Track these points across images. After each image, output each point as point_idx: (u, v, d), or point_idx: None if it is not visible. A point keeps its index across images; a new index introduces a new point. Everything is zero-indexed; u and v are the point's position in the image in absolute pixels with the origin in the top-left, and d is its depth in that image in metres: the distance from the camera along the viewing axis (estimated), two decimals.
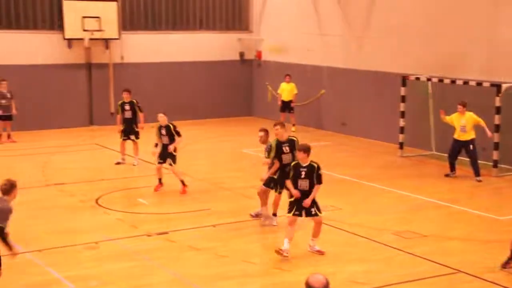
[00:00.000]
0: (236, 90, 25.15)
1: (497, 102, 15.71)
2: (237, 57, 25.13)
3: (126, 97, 16.48)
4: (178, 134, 14.09)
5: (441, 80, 17.38)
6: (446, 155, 16.28)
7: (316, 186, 10.48)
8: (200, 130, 22.29)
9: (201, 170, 16.41)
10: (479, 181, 15.32)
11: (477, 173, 15.41)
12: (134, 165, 16.38)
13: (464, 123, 15.39)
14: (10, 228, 11.58)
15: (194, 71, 24.30)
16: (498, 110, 15.74)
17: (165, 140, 14.01)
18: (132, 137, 16.42)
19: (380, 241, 11.10)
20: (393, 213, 12.89)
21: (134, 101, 16.51)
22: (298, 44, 23.24)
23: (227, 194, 14.13)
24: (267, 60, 24.77)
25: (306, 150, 10.38)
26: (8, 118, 19.49)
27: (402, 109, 18.10)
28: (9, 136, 19.49)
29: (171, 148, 13.93)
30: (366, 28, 20.70)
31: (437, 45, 18.45)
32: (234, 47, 25.00)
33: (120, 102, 16.62)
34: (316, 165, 10.47)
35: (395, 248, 10.83)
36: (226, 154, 18.46)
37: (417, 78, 18.03)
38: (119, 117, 16.59)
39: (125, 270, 9.92)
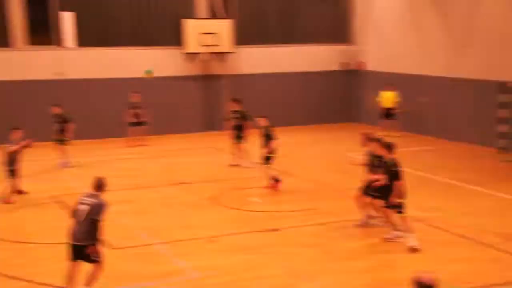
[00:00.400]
0: (340, 98, 24.99)
1: None
2: (341, 68, 24.97)
3: (234, 106, 16.70)
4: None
5: None
6: None
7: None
8: (306, 135, 22.35)
9: (309, 172, 16.43)
10: None
11: None
12: (247, 167, 16.51)
13: None
14: (144, 222, 12.21)
15: (301, 81, 24.37)
16: None
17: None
18: (241, 141, 16.63)
19: (485, 242, 10.71)
20: (497, 216, 12.38)
21: (243, 110, 16.69)
22: (400, 54, 22.80)
23: (334, 194, 14.06)
24: (369, 70, 24.47)
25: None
26: (140, 124, 20.28)
27: (501, 115, 17.36)
28: (140, 141, 20.28)
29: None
30: (467, 37, 20.03)
31: None
32: (338, 58, 24.87)
33: (230, 110, 16.92)
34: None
35: (501, 250, 10.42)
36: (332, 157, 18.40)
37: None
38: (229, 123, 16.88)
39: (242, 262, 10.10)
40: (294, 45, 24.45)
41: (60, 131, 17.16)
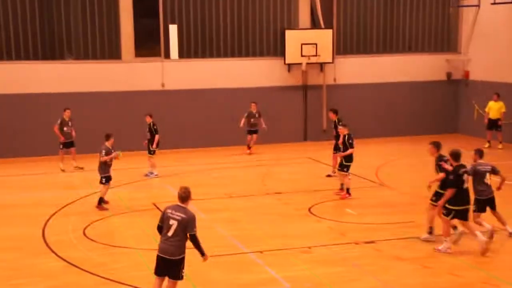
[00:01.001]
0: (443, 108, 24.22)
1: None
2: (445, 77, 24.19)
3: (332, 116, 16.56)
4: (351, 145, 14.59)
5: None
6: None
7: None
8: (406, 146, 21.78)
9: (407, 184, 15.98)
10: None
11: None
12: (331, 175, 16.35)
13: None
14: (237, 231, 12.33)
15: (402, 91, 23.82)
16: None
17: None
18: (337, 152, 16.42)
19: None
20: None
21: (336, 120, 16.43)
22: (508, 62, 21.72)
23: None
24: (475, 80, 23.51)
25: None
26: (254, 132, 20.70)
27: None
28: (249, 148, 20.64)
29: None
30: None
31: None
32: (441, 68, 24.13)
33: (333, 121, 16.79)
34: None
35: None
36: (431, 169, 17.75)
37: None
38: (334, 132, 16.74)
39: (335, 274, 9.99)
40: (396, 55, 23.96)
41: (150, 141, 17.39)
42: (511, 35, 21.69)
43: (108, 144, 14.10)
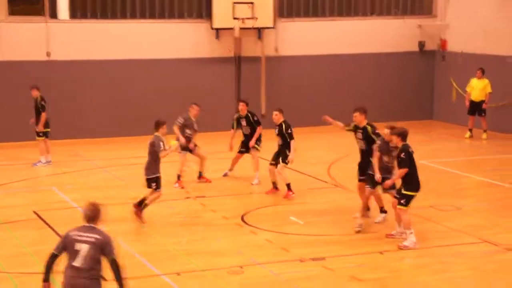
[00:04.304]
0: (414, 88, 24.72)
1: None
2: (416, 48, 24.69)
3: (243, 109, 16.54)
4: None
5: None
6: None
7: None
8: None
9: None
10: None
11: None
12: (255, 184, 16.39)
13: None
14: (142, 247, 12.20)
15: (362, 65, 24.18)
16: None
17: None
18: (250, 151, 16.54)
19: None
20: None
21: (250, 115, 16.49)
22: (496, 31, 22.34)
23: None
24: (453, 51, 24.08)
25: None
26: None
27: None
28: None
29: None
30: None
31: None
32: (412, 36, 24.60)
33: (236, 116, 16.80)
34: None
35: None
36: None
37: None
38: (232, 132, 16.78)
39: None
40: (355, 19, 24.29)
41: (38, 121, 17.72)
42: None
43: (161, 133, 13.84)
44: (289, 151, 14.94)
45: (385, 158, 12.72)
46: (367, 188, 13.11)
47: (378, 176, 12.65)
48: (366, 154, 13.34)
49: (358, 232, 12.83)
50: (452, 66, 24.00)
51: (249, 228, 13.31)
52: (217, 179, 16.93)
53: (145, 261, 11.55)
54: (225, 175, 17.08)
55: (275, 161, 15.18)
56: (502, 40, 22.19)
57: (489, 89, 21.41)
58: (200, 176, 16.70)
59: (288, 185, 15.16)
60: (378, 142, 12.91)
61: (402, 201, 12.00)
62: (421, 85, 24.82)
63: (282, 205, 14.85)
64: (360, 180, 13.52)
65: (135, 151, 19.71)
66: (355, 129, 13.60)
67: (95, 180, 16.88)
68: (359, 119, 13.49)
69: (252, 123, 16.51)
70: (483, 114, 21.52)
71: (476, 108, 21.58)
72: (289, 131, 14.97)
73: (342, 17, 24.23)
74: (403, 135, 12.09)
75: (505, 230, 12.91)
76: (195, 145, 16.59)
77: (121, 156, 19.40)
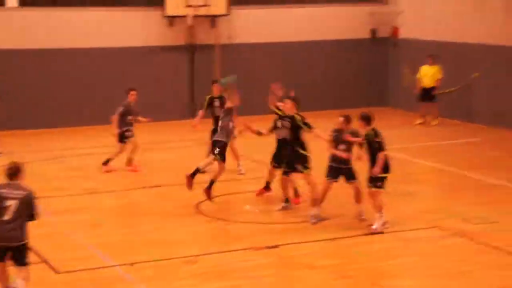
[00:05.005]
0: (367, 75, 24.92)
1: None
2: (368, 35, 24.90)
3: (216, 90, 16.48)
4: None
5: None
6: None
7: None
8: (321, 122, 22.20)
9: (315, 173, 16.24)
10: None
11: None
12: (241, 173, 16.34)
13: None
14: (96, 238, 12.18)
15: (316, 52, 24.30)
16: None
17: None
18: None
19: None
20: None
21: (225, 95, 16.42)
22: (446, 17, 22.65)
23: (349, 203, 13.91)
24: (406, 38, 24.33)
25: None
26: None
27: None
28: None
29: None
30: None
31: None
32: (364, 23, 24.79)
33: (208, 97, 16.60)
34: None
35: None
36: None
37: None
38: (201, 112, 16.56)
39: None
40: (308, 6, 24.40)
41: None
42: None
43: None
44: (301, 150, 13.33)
45: (342, 147, 12.66)
46: (327, 180, 12.88)
47: (341, 153, 12.60)
48: (288, 143, 13.18)
49: (315, 223, 12.83)
50: (404, 53, 24.25)
51: (204, 218, 13.33)
52: (170, 168, 16.91)
53: (98, 252, 11.51)
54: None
55: (290, 168, 13.30)
56: (452, 27, 22.47)
57: (439, 76, 21.73)
58: (129, 163, 16.68)
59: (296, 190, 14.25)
60: (331, 132, 12.84)
61: (378, 184, 12.15)
62: (374, 72, 25.03)
63: (237, 194, 14.92)
64: (285, 173, 13.29)
65: (87, 142, 19.72)
66: (281, 117, 13.50)
67: (47, 171, 16.71)
68: (289, 106, 13.22)
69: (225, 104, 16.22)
70: (434, 100, 21.84)
71: (427, 94, 21.89)
72: (306, 121, 13.29)
73: (296, 4, 24.33)
74: (366, 119, 12.16)
75: (454, 215, 13.12)
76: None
77: (74, 147, 19.24)
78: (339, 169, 12.74)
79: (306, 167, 13.02)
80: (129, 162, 16.68)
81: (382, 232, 12.18)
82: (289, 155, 13.18)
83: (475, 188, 15.11)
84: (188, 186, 13.74)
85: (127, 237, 12.36)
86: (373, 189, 12.24)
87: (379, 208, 12.30)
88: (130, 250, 11.65)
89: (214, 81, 17.05)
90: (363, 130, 12.27)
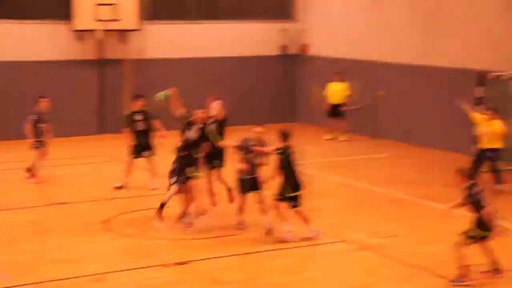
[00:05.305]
0: (276, 91, 25.23)
1: None
2: (278, 52, 25.20)
3: (138, 105, 16.35)
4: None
5: None
6: None
7: None
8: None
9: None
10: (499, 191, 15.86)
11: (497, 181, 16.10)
12: (153, 189, 16.20)
13: (486, 130, 15.88)
14: (4, 255, 11.91)
15: (226, 68, 24.43)
16: None
17: None
18: (146, 153, 16.35)
19: (447, 276, 10.92)
20: None
21: (148, 110, 16.40)
22: (353, 35, 23.16)
23: (257, 217, 14.02)
24: (314, 56, 24.75)
25: None
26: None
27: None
28: None
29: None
30: (437, 15, 20.52)
31: None
32: (274, 40, 25.10)
33: (129, 112, 16.53)
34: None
35: (468, 286, 10.67)
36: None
37: (498, 76, 17.78)
38: (128, 131, 16.37)
39: None
40: (220, 22, 24.54)
41: None
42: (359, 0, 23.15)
43: None
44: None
45: (249, 156, 12.92)
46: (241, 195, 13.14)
47: (244, 166, 12.87)
48: (190, 149, 13.35)
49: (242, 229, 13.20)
50: (313, 70, 24.64)
51: (111, 235, 13.21)
52: (79, 184, 16.79)
53: (0, 272, 11.25)
54: (119, 188, 16.22)
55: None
56: (359, 45, 22.98)
57: (347, 92, 22.16)
58: (29, 171, 16.65)
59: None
60: (239, 141, 13.11)
61: (293, 203, 12.48)
62: (284, 88, 25.34)
63: (145, 210, 14.76)
64: (176, 181, 13.35)
65: None
66: (189, 124, 13.53)
67: None
68: (202, 115, 13.60)
69: (149, 119, 16.20)
70: (342, 117, 22.25)
71: (335, 110, 22.29)
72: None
73: (207, 21, 24.43)
74: (283, 135, 12.49)
75: (360, 229, 13.39)
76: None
77: None
78: (248, 180, 12.93)
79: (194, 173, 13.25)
80: (32, 170, 16.59)
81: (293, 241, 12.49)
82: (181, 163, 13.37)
83: (382, 203, 15.44)
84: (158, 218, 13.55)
85: (31, 255, 12.08)
86: (276, 201, 12.47)
87: (284, 219, 12.53)
88: (35, 269, 11.41)
89: (136, 96, 16.83)
90: (279, 145, 12.50)
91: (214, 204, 14.45)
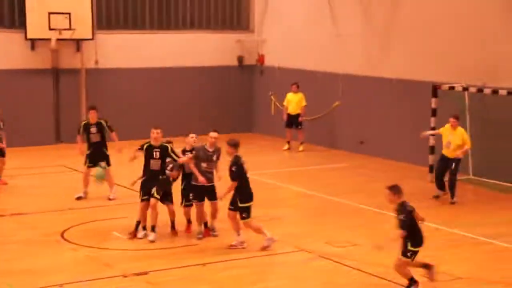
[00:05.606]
0: (234, 101, 25.30)
1: None
2: (235, 62, 25.29)
3: (92, 117, 16.18)
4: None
5: (480, 90, 17.44)
6: (486, 180, 16.98)
7: None
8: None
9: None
10: (453, 203, 16.19)
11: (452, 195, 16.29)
12: (110, 199, 16.16)
13: (451, 139, 16.08)
14: None
15: (183, 78, 24.43)
16: None
17: None
18: (103, 164, 16.13)
19: (405, 284, 11.05)
20: (422, 251, 12.82)
21: (103, 121, 16.27)
22: (309, 46, 23.36)
23: (219, 227, 14.04)
24: (271, 66, 24.89)
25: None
26: None
27: (432, 124, 18.12)
28: None
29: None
30: (390, 27, 20.82)
31: (478, 47, 18.48)
32: (231, 50, 25.18)
33: (84, 123, 16.35)
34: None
35: None
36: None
37: (451, 88, 18.08)
38: (79, 138, 16.24)
39: None
40: (175, 32, 24.53)
41: None
42: (310, 11, 23.31)
43: None
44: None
45: (204, 165, 13.07)
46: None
47: (201, 178, 12.92)
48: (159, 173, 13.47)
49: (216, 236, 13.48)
50: (270, 80, 24.78)
51: (70, 245, 13.10)
52: (35, 194, 16.66)
53: None
54: (80, 198, 16.14)
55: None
56: (314, 56, 23.17)
57: (304, 103, 22.34)
58: None
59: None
60: (194, 151, 13.29)
61: (244, 215, 12.58)
62: (241, 98, 25.42)
63: (104, 220, 14.72)
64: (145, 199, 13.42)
65: None
66: (151, 149, 13.44)
67: None
68: (159, 136, 13.55)
69: (103, 131, 16.10)
70: (299, 127, 22.41)
71: (293, 121, 22.44)
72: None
73: (163, 30, 24.41)
74: (236, 146, 12.61)
75: (319, 238, 13.48)
76: None
77: None
78: (206, 187, 13.11)
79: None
80: None
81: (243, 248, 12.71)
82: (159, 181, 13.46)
83: (341, 212, 15.56)
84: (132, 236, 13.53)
85: None
86: (242, 220, 12.61)
87: (258, 232, 12.73)
88: None
89: (90, 108, 16.64)
90: (231, 155, 12.62)
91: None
